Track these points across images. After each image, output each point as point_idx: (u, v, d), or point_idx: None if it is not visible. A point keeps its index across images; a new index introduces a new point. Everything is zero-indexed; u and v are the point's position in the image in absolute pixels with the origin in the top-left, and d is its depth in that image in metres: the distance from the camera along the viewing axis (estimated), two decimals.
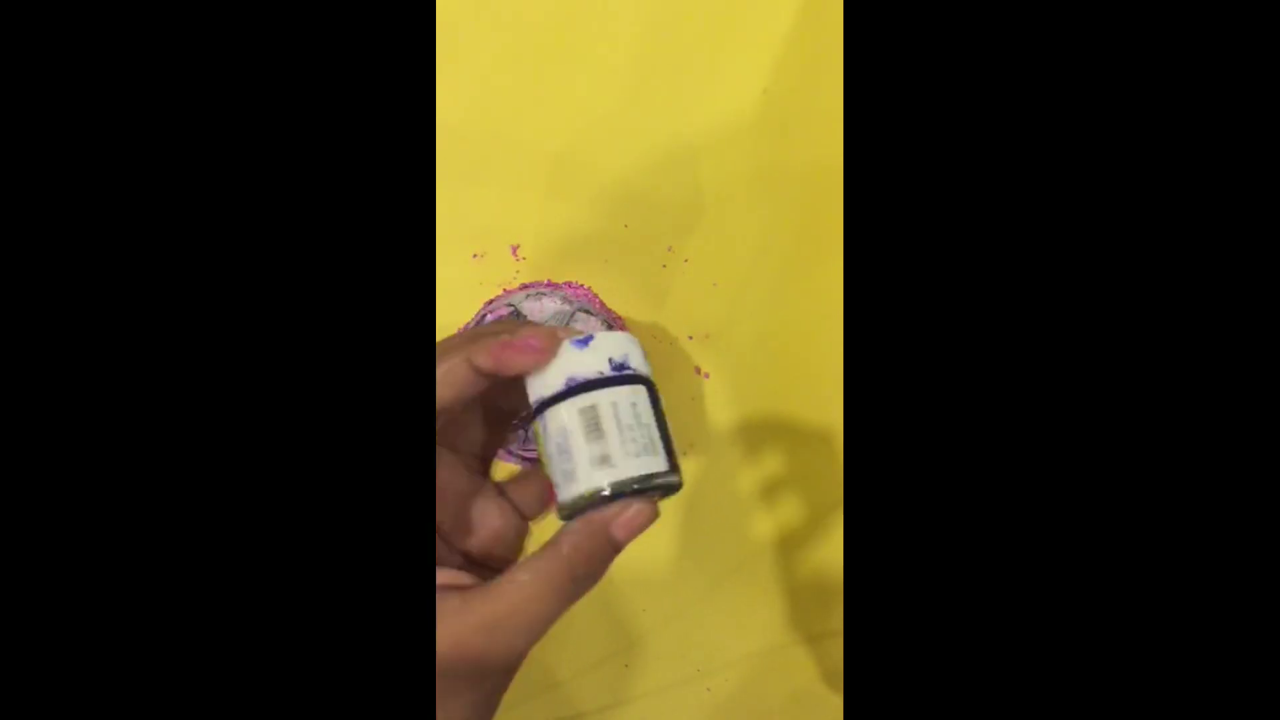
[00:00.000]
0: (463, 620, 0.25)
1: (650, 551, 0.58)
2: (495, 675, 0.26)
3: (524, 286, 0.51)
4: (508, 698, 0.59)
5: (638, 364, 0.30)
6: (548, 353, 0.29)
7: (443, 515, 0.31)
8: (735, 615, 0.60)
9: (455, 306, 0.52)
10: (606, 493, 0.28)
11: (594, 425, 0.29)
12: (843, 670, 0.55)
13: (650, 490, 0.29)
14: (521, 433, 0.48)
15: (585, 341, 0.30)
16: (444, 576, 0.28)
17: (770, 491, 0.57)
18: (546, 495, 0.33)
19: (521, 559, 0.28)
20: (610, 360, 0.30)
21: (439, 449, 0.31)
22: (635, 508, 0.27)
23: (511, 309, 0.48)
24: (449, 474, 0.31)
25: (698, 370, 0.55)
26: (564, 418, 0.29)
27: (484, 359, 0.28)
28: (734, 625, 0.61)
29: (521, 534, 0.32)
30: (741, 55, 0.52)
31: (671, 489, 0.30)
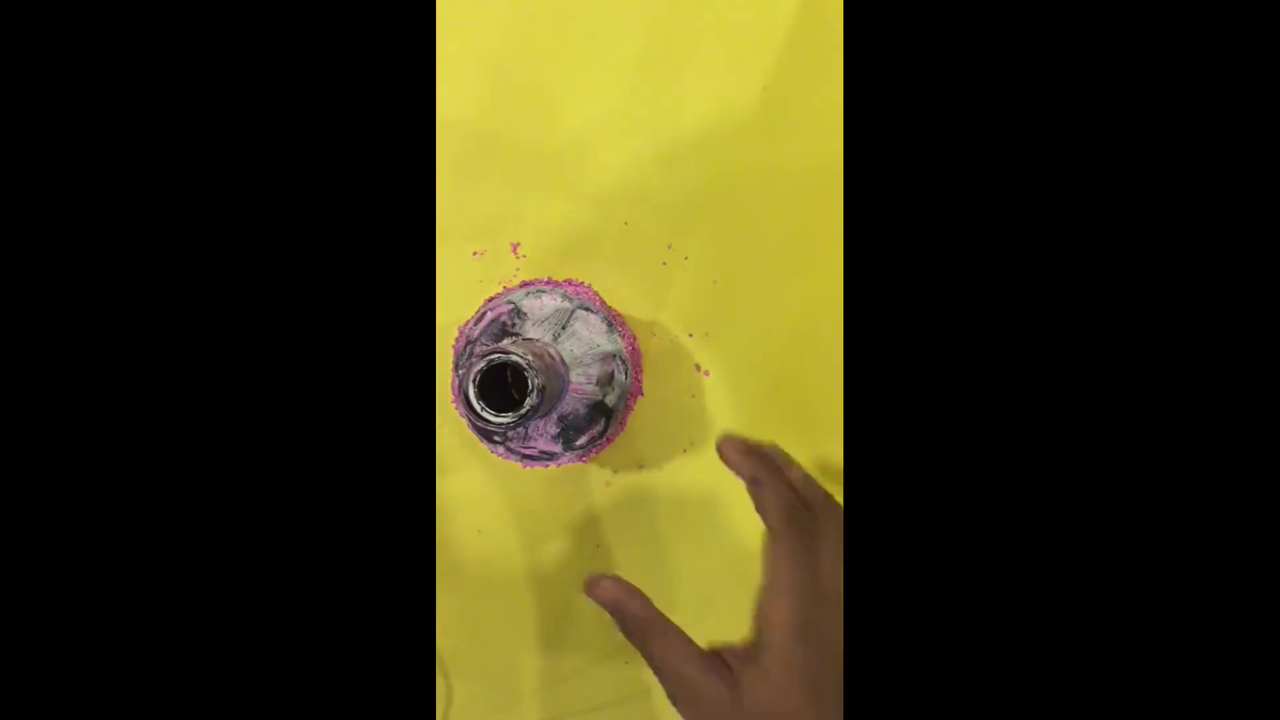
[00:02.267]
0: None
1: (650, 549, 0.58)
2: None
3: (524, 284, 0.51)
4: (509, 695, 0.59)
5: None
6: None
7: None
8: (735, 613, 0.60)
9: (455, 303, 0.52)
10: None
11: None
12: (843, 669, 0.55)
13: None
14: (521, 430, 0.48)
15: None
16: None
17: None
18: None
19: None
20: None
21: None
22: None
23: (512, 306, 0.48)
24: None
25: (698, 368, 0.55)
26: None
27: None
28: (734, 623, 0.61)
29: None
30: (741, 55, 0.52)
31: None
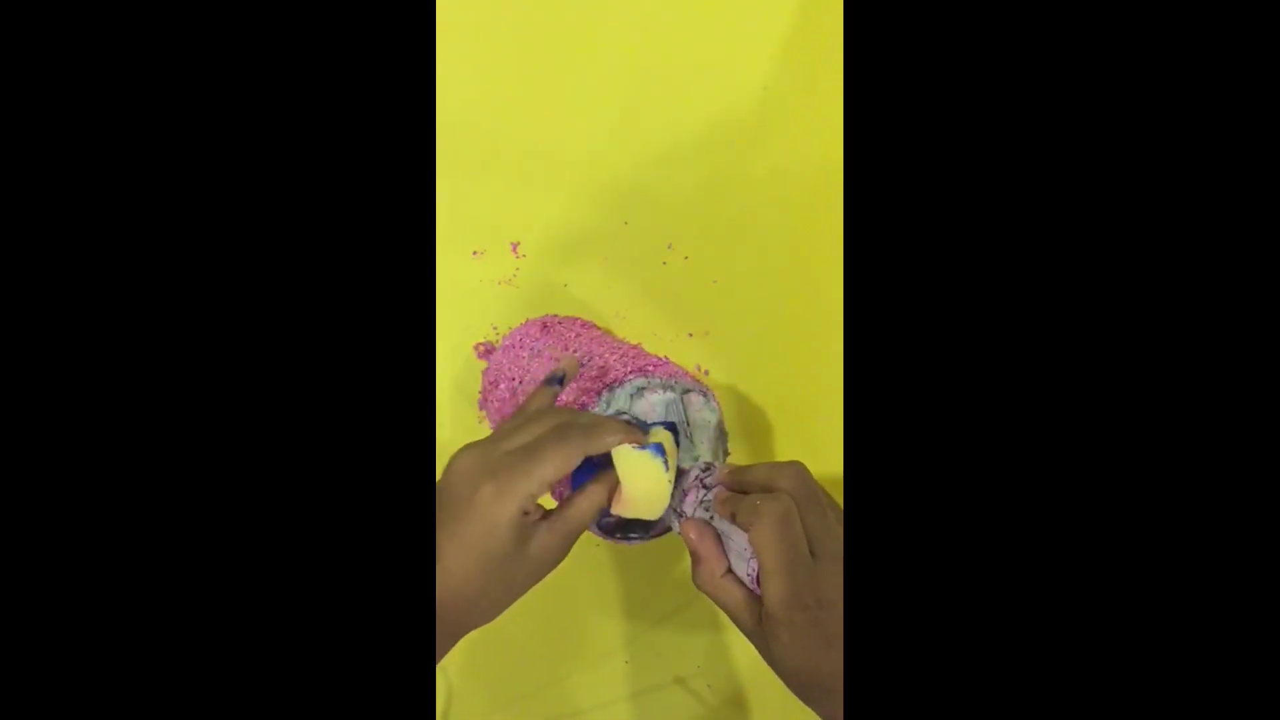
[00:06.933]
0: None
1: (651, 548, 0.58)
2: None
3: (607, 384, 0.46)
4: (512, 693, 0.59)
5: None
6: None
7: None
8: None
9: (455, 303, 0.52)
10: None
11: None
12: (842, 670, 0.55)
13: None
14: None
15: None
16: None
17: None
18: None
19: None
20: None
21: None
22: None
23: (629, 417, 0.44)
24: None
25: (697, 367, 0.55)
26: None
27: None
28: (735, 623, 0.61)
29: None
30: (741, 55, 0.52)
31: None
